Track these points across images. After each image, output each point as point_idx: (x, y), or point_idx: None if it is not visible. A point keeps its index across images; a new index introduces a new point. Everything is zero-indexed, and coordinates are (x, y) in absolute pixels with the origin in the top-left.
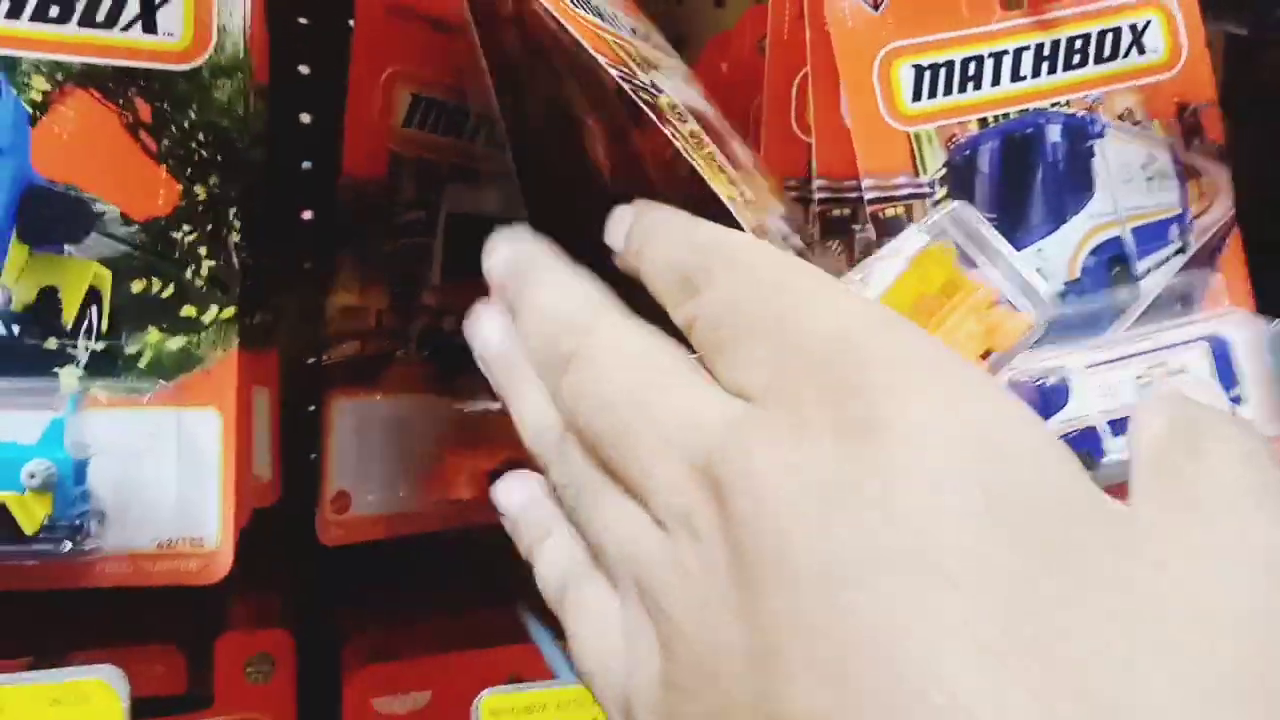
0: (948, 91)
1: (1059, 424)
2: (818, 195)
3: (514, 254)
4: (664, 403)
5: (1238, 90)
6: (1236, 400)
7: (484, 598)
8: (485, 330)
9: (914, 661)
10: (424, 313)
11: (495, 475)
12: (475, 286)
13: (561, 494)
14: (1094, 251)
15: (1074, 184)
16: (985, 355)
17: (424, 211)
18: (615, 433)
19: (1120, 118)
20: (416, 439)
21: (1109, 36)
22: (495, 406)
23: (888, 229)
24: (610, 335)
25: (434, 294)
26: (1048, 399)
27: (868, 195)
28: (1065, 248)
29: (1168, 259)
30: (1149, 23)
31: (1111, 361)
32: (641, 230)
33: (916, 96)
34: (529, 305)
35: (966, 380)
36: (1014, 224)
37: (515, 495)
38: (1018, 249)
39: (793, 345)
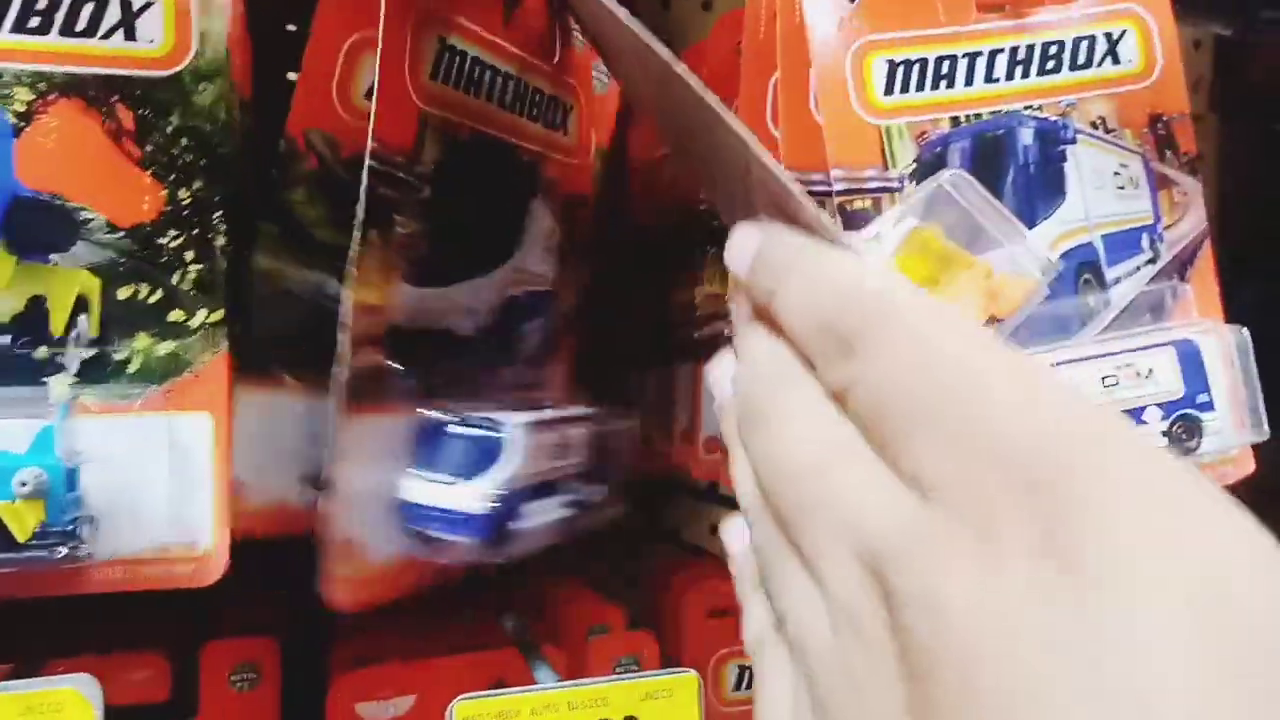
0: (920, 88)
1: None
2: None
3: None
4: (842, 483)
5: (1226, 91)
6: (1206, 405)
7: (468, 604)
8: (718, 378)
9: None
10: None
11: None
12: None
13: (757, 555)
14: (1064, 256)
15: (1045, 188)
16: (990, 322)
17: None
18: (794, 507)
19: (1093, 125)
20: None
21: (1084, 44)
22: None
23: (854, 221)
24: (786, 394)
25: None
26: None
27: (836, 187)
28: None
29: (1138, 268)
30: (1124, 33)
31: (1077, 361)
32: (774, 265)
33: (889, 91)
34: (742, 352)
35: (1185, 504)
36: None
37: (738, 541)
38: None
39: (980, 445)
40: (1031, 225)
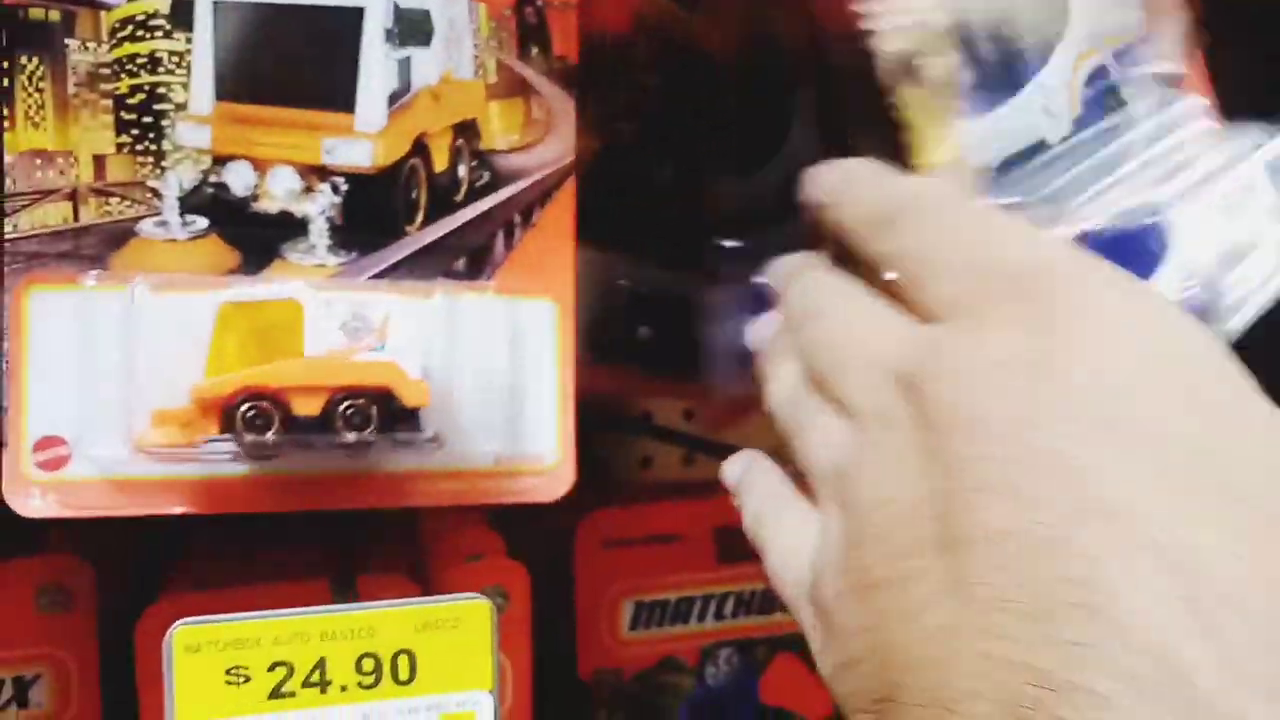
0: None
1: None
2: None
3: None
4: (870, 326)
5: None
6: None
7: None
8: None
9: (1093, 475)
10: None
11: None
12: None
13: (783, 425)
14: (1087, 83)
15: (1051, 9)
16: None
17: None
18: (835, 364)
19: None
20: None
21: None
22: None
23: None
24: (839, 291)
25: None
26: (1145, 244)
27: None
28: (1062, 77)
29: (1146, 78)
30: None
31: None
32: (843, 180)
33: None
34: (792, 290)
35: (1142, 290)
36: (1011, 58)
37: (736, 467)
38: (1018, 88)
39: (991, 268)
40: (1050, 51)
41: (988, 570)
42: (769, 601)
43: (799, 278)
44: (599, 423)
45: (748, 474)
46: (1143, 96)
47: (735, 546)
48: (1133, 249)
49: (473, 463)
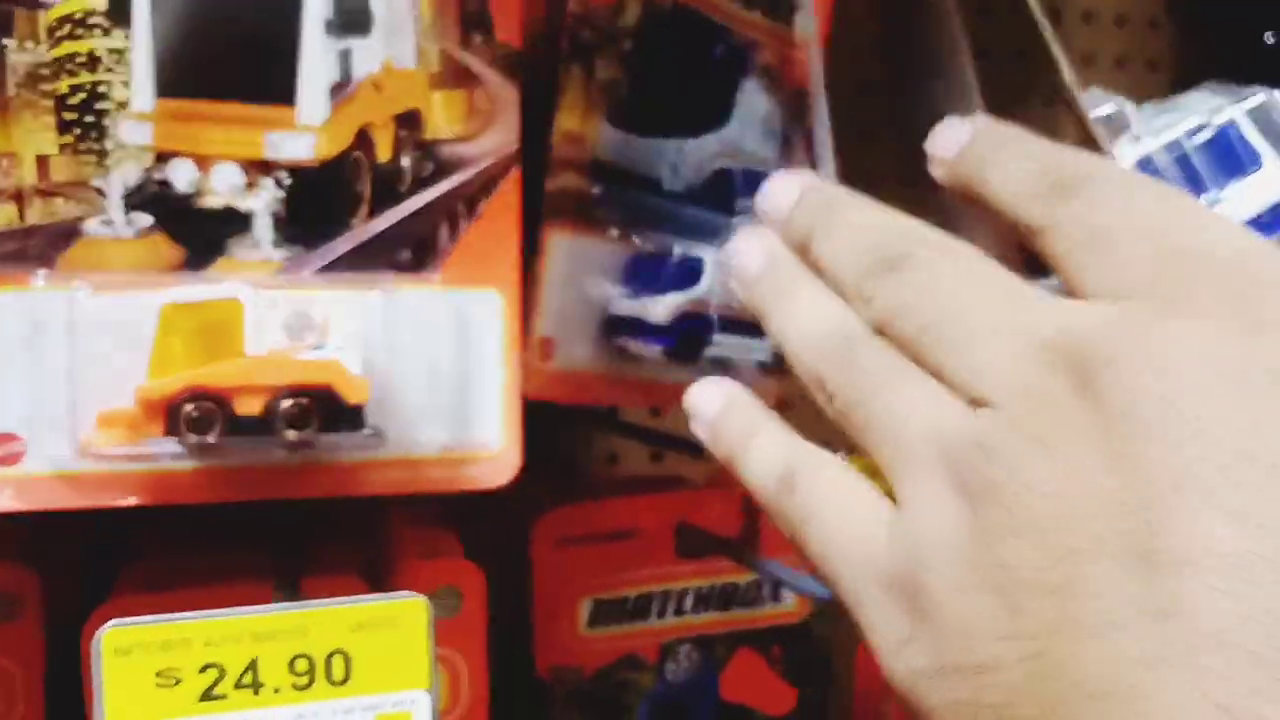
0: None
1: (687, 301)
2: None
3: (806, 187)
4: (1012, 297)
5: None
6: None
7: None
8: (746, 255)
9: None
10: None
11: None
12: None
13: (840, 387)
14: (714, 174)
15: (718, 104)
16: None
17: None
18: (945, 323)
19: (763, 69)
20: None
21: None
22: None
23: None
24: (942, 241)
25: None
26: (683, 271)
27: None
28: (698, 156)
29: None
30: None
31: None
32: (993, 140)
33: None
34: (842, 223)
35: None
36: (671, 111)
37: (714, 399)
38: (663, 135)
39: (1188, 253)
40: (704, 131)
41: (1212, 598)
42: (729, 597)
43: (874, 215)
44: (565, 419)
45: (732, 412)
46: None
47: (694, 542)
48: None
49: (419, 451)
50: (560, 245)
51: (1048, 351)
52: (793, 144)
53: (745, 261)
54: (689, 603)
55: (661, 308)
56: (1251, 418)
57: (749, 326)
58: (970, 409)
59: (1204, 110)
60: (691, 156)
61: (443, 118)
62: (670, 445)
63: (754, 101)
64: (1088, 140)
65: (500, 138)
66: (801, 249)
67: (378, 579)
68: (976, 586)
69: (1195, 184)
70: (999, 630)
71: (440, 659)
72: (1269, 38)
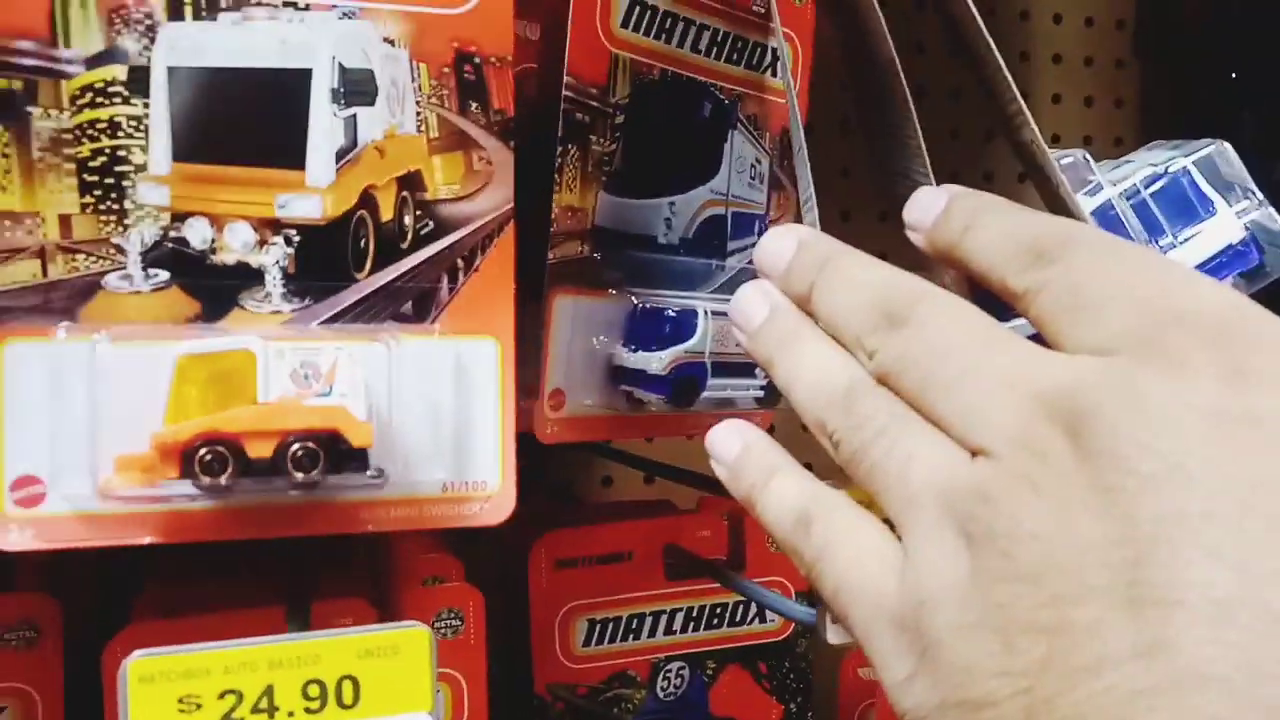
0: (647, 33)
1: (683, 352)
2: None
3: (803, 242)
4: (1006, 352)
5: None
6: None
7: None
8: (750, 306)
9: None
10: None
11: None
12: None
13: (846, 436)
14: (705, 222)
15: (708, 158)
16: None
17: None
18: (945, 376)
19: (747, 119)
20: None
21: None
22: None
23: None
24: (938, 296)
25: None
26: (678, 325)
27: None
28: (689, 209)
29: (747, 248)
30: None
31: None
32: (969, 208)
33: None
34: (841, 279)
35: None
36: (663, 172)
37: (733, 443)
38: (656, 195)
39: (1168, 310)
40: (693, 186)
41: (1203, 640)
42: (717, 616)
43: (872, 270)
44: (564, 446)
45: (750, 454)
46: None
47: (683, 564)
48: None
49: (421, 490)
50: (565, 308)
51: (1040, 403)
52: (781, 185)
53: (748, 313)
54: (679, 622)
55: (658, 362)
56: (1231, 461)
57: (741, 368)
58: (970, 458)
59: (1157, 162)
60: (683, 210)
61: (442, 179)
62: (660, 472)
63: (741, 150)
64: (1038, 172)
65: (496, 197)
66: (801, 300)
67: (384, 603)
68: (975, 626)
69: (1154, 229)
70: (995, 668)
71: (443, 678)
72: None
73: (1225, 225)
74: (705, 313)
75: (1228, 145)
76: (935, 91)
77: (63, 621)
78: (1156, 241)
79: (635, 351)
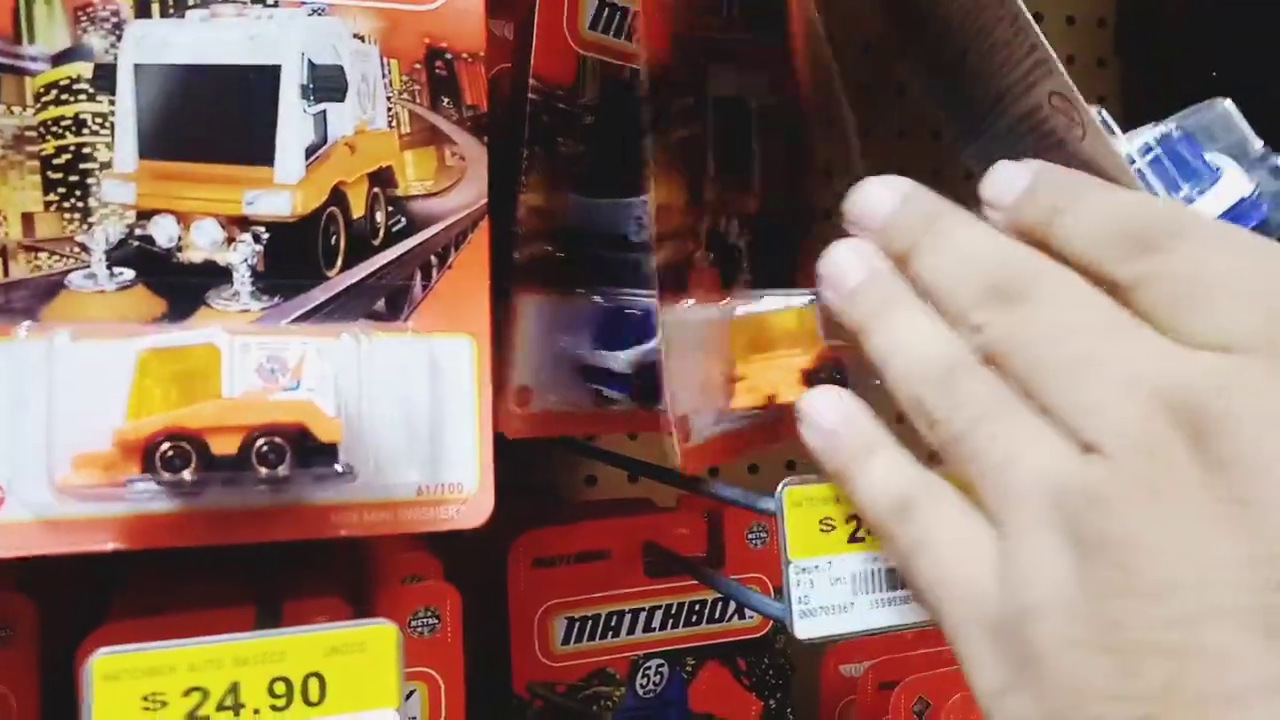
0: (617, 35)
1: (649, 352)
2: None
3: (906, 195)
4: (1126, 343)
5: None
6: None
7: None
8: (845, 266)
9: None
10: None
11: None
12: None
13: (944, 417)
14: None
15: None
16: None
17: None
18: (1059, 363)
19: None
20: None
21: None
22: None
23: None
24: (1054, 272)
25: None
26: (642, 325)
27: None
28: None
29: None
30: None
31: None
32: (1057, 186)
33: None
34: (948, 242)
35: None
36: (623, 174)
37: (831, 411)
38: (623, 195)
39: None
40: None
41: None
42: (696, 613)
43: (983, 237)
44: (547, 445)
45: (849, 425)
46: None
47: (662, 561)
48: None
49: (396, 493)
50: (530, 306)
51: (1162, 400)
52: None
53: (842, 273)
54: (658, 619)
55: (623, 360)
56: None
57: None
58: (1081, 454)
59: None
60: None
61: (414, 175)
62: (643, 470)
63: None
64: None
65: (470, 193)
66: (900, 259)
67: (361, 601)
68: (1086, 644)
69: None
70: (1109, 690)
71: (420, 677)
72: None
73: (1234, 181)
74: None
75: (1228, 102)
76: (917, 91)
77: (39, 621)
78: (1175, 196)
79: (602, 350)
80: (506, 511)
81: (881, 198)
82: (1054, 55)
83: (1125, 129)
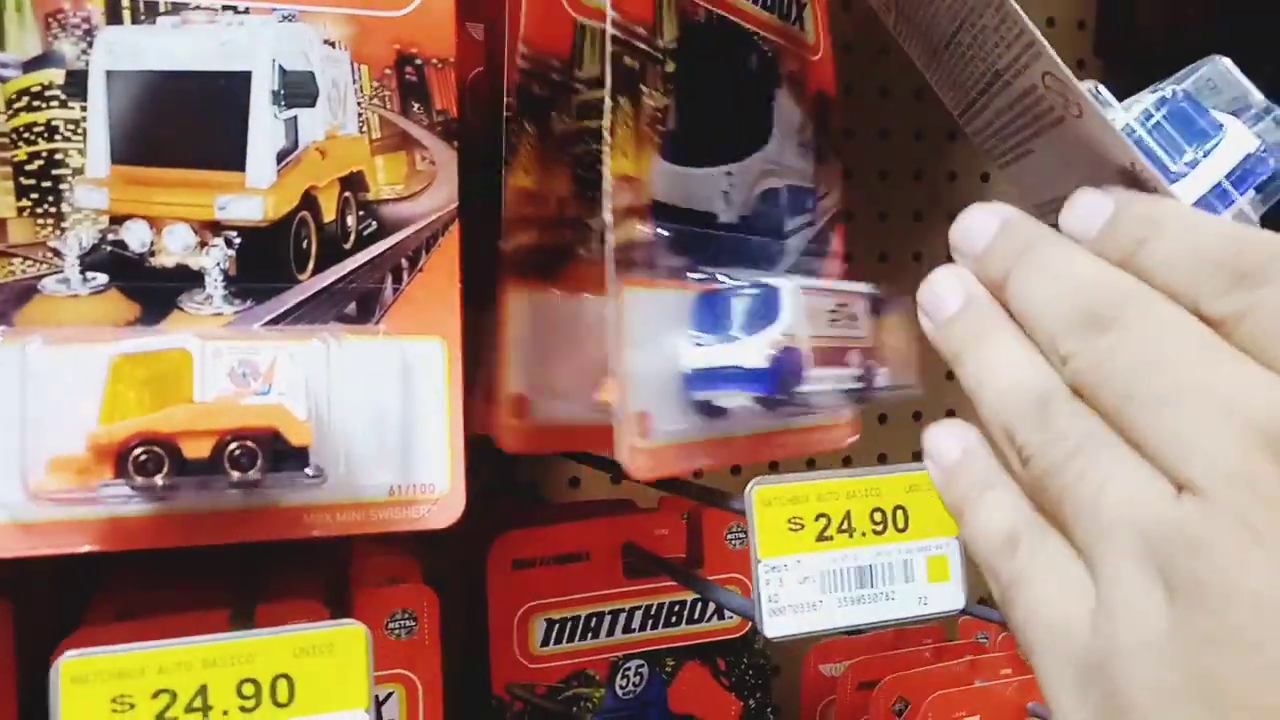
0: None
1: (777, 338)
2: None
3: (1006, 221)
4: (1223, 374)
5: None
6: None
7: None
8: (943, 293)
9: None
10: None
11: None
12: None
13: (1036, 452)
14: (763, 195)
15: (758, 121)
16: None
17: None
18: (1152, 394)
19: (789, 76)
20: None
21: None
22: None
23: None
24: (1150, 299)
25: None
26: (762, 307)
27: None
28: (747, 180)
29: (801, 227)
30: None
31: (817, 291)
32: (1142, 216)
33: None
34: (1043, 268)
35: None
36: (726, 134)
37: (951, 446)
38: (712, 163)
39: None
40: (747, 154)
41: None
42: (675, 614)
43: (1077, 262)
44: None
45: (969, 462)
46: (796, 236)
47: (641, 562)
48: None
49: (368, 494)
50: (522, 303)
51: (1263, 436)
52: (825, 157)
53: (940, 300)
54: (638, 620)
55: (754, 349)
56: None
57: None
58: (1176, 493)
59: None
60: (740, 181)
61: (385, 179)
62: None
63: (787, 112)
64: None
65: (440, 197)
66: (996, 287)
67: (338, 604)
68: (1179, 695)
69: (1174, 150)
70: None
71: (397, 679)
72: None
73: (1239, 137)
74: (790, 290)
75: (1226, 60)
76: (899, 91)
77: (15, 623)
78: (1179, 160)
79: (713, 343)
80: (485, 513)
81: (981, 224)
82: (1041, 37)
83: None
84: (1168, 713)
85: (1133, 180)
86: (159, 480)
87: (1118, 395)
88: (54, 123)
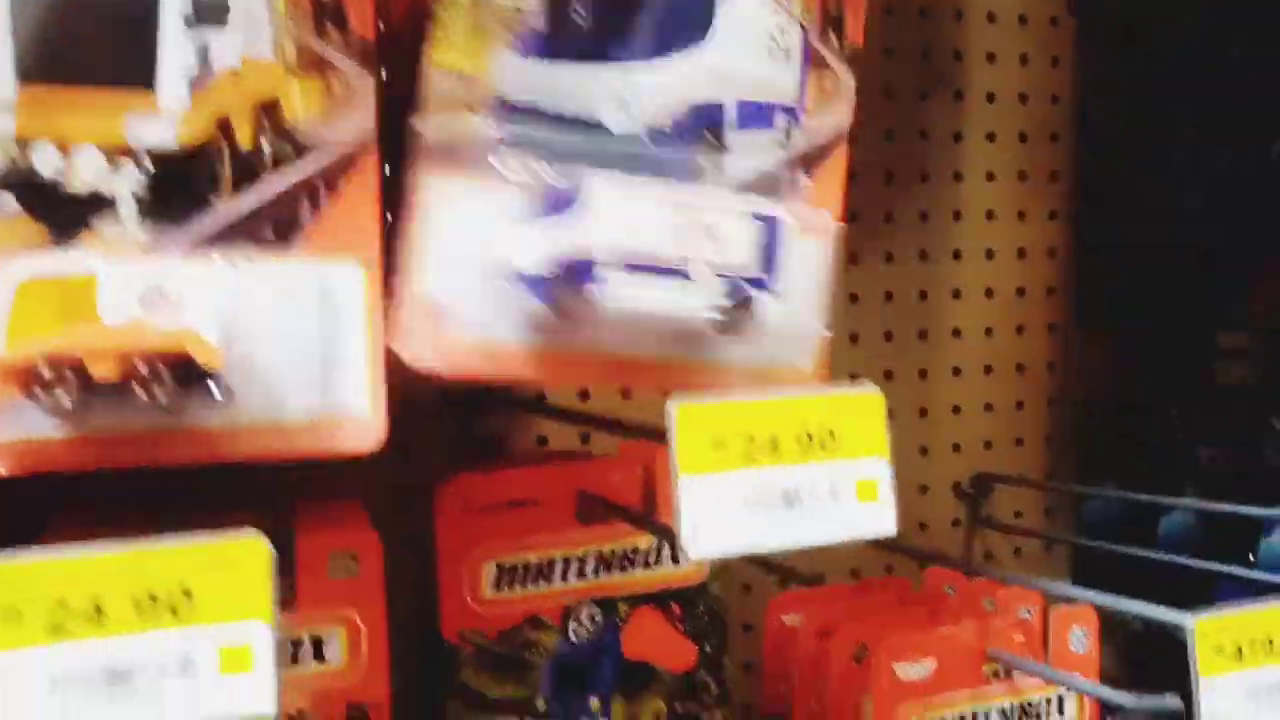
0: None
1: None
2: None
3: None
4: None
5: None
6: (762, 285)
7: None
8: None
9: None
10: None
11: None
12: None
13: None
14: (694, 111)
15: (691, 14)
16: None
17: None
18: None
19: None
20: None
21: None
22: None
23: None
24: None
25: None
26: (556, 200)
27: None
28: (665, 95)
29: (765, 149)
30: None
31: (642, 198)
32: None
33: None
34: None
35: None
36: (612, 28)
37: None
38: (607, 58)
39: None
40: (664, 53)
41: None
42: (628, 559)
43: None
44: (495, 403)
45: None
46: (749, 157)
47: (594, 509)
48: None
49: (286, 417)
50: (438, 192)
51: None
52: (824, 64)
53: None
54: (590, 565)
55: (533, 255)
56: None
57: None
58: None
59: None
60: (647, 86)
61: (300, 104)
62: (597, 425)
63: (748, 11)
64: None
65: (358, 121)
66: None
67: (280, 548)
68: None
69: None
70: None
71: (340, 619)
72: None
73: None
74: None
75: None
76: (902, 93)
77: None
78: None
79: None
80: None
81: None
82: None
83: (1080, 126)
84: None
85: None
86: (66, 401)
87: None
88: None
